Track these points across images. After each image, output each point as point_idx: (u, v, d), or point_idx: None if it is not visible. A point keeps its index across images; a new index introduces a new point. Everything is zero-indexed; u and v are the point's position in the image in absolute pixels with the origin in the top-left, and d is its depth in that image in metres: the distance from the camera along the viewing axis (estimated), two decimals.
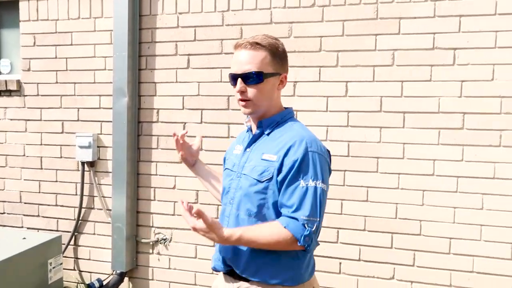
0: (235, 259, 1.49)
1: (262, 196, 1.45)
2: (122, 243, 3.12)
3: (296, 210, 1.38)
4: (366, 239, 2.77)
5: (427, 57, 2.62)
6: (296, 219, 1.38)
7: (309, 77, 2.82)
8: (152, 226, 3.19)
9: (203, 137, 3.03)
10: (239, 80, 1.47)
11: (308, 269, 1.51)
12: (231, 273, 1.53)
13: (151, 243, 3.20)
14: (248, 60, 1.46)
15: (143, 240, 3.20)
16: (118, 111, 3.11)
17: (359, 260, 2.79)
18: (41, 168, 3.43)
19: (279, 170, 1.42)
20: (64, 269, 3.14)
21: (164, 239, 3.15)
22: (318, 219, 1.40)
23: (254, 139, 1.55)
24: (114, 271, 3.17)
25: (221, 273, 1.59)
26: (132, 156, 3.15)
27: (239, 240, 1.39)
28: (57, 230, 3.39)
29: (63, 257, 3.09)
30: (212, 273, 3.05)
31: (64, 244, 3.23)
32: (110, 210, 3.24)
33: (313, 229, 1.38)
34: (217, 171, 1.83)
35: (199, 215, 1.34)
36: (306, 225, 1.37)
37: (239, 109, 3.04)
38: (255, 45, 1.46)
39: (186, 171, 3.05)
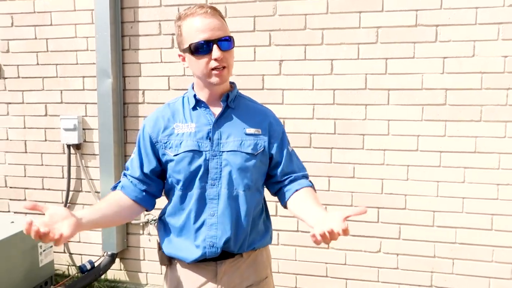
0: (236, 239, 1.46)
1: (257, 168, 1.48)
2: None
3: (301, 170, 1.57)
4: None
5: (410, 34, 2.65)
6: (305, 175, 1.57)
7: (295, 56, 2.83)
8: None
9: None
10: (215, 46, 1.38)
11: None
12: (220, 256, 1.46)
13: (141, 224, 3.22)
14: (218, 26, 1.41)
15: (133, 222, 3.22)
16: (102, 92, 3.08)
17: None
18: (26, 152, 3.39)
19: (269, 142, 1.51)
20: (54, 252, 3.15)
21: (154, 220, 3.18)
22: None
23: (222, 113, 1.48)
24: (105, 253, 3.20)
25: (188, 266, 1.48)
26: (118, 138, 3.13)
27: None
28: (44, 214, 3.37)
29: None
30: None
31: None
32: (98, 192, 3.23)
33: None
34: (108, 204, 1.46)
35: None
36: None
37: None
38: (216, 11, 1.43)
39: None
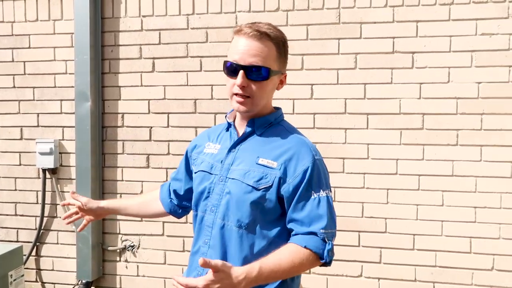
0: None
1: (257, 205, 1.29)
2: (88, 252, 3.03)
3: (311, 224, 1.26)
4: None
5: (388, 60, 2.72)
6: (315, 233, 1.26)
7: None
8: (119, 233, 3.12)
9: (169, 141, 3.01)
10: (242, 73, 1.28)
11: (299, 279, 1.43)
12: None
13: (118, 250, 3.13)
14: (255, 52, 1.28)
15: (109, 248, 3.12)
16: (80, 116, 3.03)
17: None
18: None
19: (282, 180, 1.29)
20: (26, 281, 3.02)
21: (132, 246, 3.09)
22: (335, 230, 1.30)
23: (241, 139, 1.38)
24: (80, 281, 3.08)
25: None
26: (96, 162, 3.07)
27: (259, 276, 1.19)
28: (17, 241, 3.25)
29: (24, 269, 2.97)
30: None
31: (25, 255, 3.11)
32: None
33: (333, 241, 1.29)
34: (130, 197, 1.77)
35: (206, 264, 1.14)
36: (326, 238, 1.26)
37: (207, 112, 3.03)
38: (265, 36, 1.29)
39: (154, 176, 3.03)
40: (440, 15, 2.65)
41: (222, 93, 2.92)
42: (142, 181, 3.06)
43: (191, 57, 2.96)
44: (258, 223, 1.31)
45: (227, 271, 1.17)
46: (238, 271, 1.19)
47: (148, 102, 3.04)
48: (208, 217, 1.37)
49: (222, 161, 1.38)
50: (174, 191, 1.62)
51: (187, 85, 2.98)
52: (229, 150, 1.38)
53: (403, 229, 2.74)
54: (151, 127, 3.04)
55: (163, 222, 3.03)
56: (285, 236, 1.33)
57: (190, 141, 2.93)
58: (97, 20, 3.04)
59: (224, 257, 1.32)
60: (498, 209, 2.63)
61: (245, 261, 1.29)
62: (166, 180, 3.01)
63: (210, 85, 2.94)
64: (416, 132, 2.70)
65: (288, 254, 1.24)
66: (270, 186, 1.29)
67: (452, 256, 2.69)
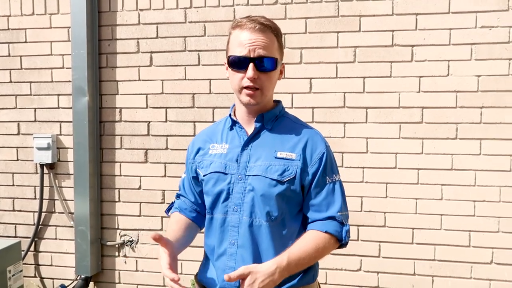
0: None
1: (283, 198, 1.33)
2: (86, 247, 3.03)
3: (328, 208, 1.34)
4: None
5: (387, 54, 2.71)
6: (332, 217, 1.34)
7: None
8: (118, 228, 3.11)
9: (168, 136, 3.00)
10: (252, 65, 1.31)
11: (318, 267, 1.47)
12: None
13: (116, 245, 3.12)
14: (262, 44, 1.32)
15: (108, 243, 3.12)
16: (78, 110, 3.01)
17: None
18: None
19: (303, 169, 1.34)
20: (24, 276, 3.02)
21: (131, 241, 3.09)
22: (348, 212, 1.40)
23: (253, 135, 1.40)
24: (79, 276, 3.08)
25: None
26: (94, 157, 3.05)
27: (289, 265, 1.25)
28: (15, 237, 3.25)
29: (23, 264, 2.97)
30: (181, 273, 3.02)
31: (23, 250, 3.10)
32: (72, 213, 3.13)
33: (348, 223, 1.38)
34: (180, 227, 1.48)
35: (232, 279, 1.20)
36: (343, 221, 1.36)
37: (205, 107, 3.02)
38: (268, 28, 1.33)
39: (152, 171, 3.02)
40: (440, 7, 2.63)
41: (220, 87, 2.90)
42: (140, 176, 3.05)
43: (189, 51, 2.94)
44: (285, 215, 1.36)
45: (255, 270, 1.22)
46: (268, 264, 1.24)
47: (146, 97, 3.02)
48: (231, 218, 1.36)
49: (237, 160, 1.38)
50: (194, 203, 1.54)
51: (185, 79, 2.96)
52: (242, 148, 1.39)
53: (402, 223, 2.73)
54: (149, 122, 3.02)
55: (162, 217, 3.02)
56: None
57: (188, 135, 2.95)
58: (94, 14, 3.01)
59: (256, 253, 1.34)
60: (497, 202, 2.63)
61: (274, 249, 1.33)
62: (164, 175, 3.00)
63: (208, 79, 2.92)
64: (415, 126, 2.69)
65: (312, 240, 1.31)
66: (294, 178, 1.34)
67: (451, 250, 2.69)
